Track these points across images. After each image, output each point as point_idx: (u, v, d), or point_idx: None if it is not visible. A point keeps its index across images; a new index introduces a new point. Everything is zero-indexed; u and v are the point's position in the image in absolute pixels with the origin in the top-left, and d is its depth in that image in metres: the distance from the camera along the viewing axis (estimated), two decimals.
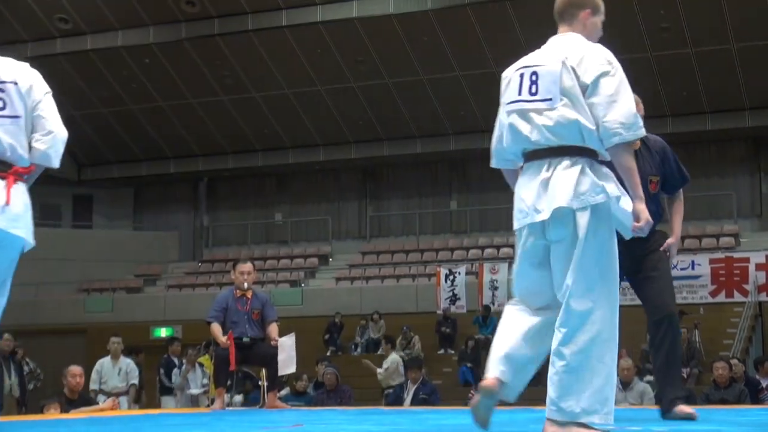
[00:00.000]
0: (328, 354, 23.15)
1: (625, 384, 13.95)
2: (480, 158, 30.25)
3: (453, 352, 23.25)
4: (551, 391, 4.54)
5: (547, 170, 4.48)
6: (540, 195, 4.49)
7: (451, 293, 25.37)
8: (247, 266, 10.38)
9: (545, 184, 4.48)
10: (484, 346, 22.24)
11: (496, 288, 24.99)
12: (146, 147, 32.05)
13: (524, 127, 4.55)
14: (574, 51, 4.50)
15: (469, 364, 21.54)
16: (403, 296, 26.17)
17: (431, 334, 23.82)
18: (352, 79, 28.54)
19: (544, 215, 4.46)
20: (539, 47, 4.68)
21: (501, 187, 25.26)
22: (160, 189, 34.05)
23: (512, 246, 28.05)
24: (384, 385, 18.18)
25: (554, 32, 4.72)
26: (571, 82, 4.43)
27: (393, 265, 28.99)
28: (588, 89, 4.41)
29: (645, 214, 4.47)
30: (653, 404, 13.49)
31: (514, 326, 4.74)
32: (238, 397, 13.88)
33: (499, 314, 18.71)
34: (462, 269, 25.73)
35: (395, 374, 18.26)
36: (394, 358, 19.14)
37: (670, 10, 24.71)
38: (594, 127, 4.39)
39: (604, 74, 4.41)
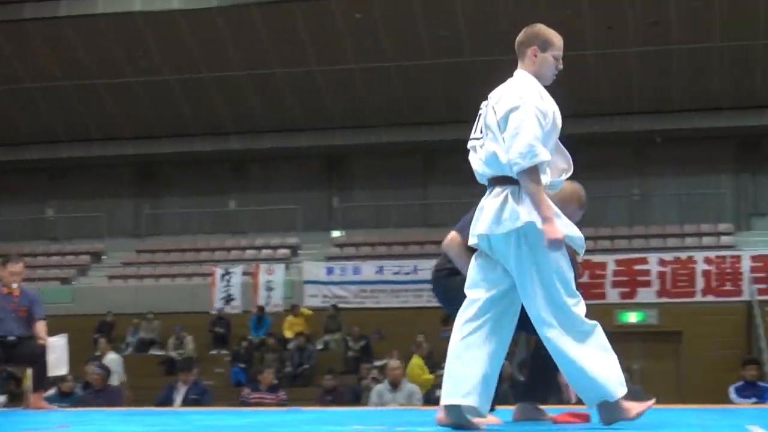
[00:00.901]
0: (98, 354, 22.65)
1: (393, 385, 14.19)
2: (261, 158, 30.51)
3: (226, 352, 23.12)
4: None
5: (485, 198, 5.12)
6: (476, 220, 5.12)
7: (226, 293, 25.21)
8: (18, 267, 10.10)
9: (481, 210, 5.11)
10: (258, 347, 22.27)
11: (271, 289, 25.00)
12: None
13: (473, 160, 5.28)
14: (499, 90, 5.11)
15: (242, 365, 21.48)
16: (178, 296, 25.82)
17: (205, 333, 23.63)
18: (131, 74, 28.00)
19: (474, 240, 5.11)
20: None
21: (280, 189, 25.55)
22: None
23: (289, 247, 28.20)
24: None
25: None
26: (493, 119, 5.04)
27: (168, 264, 28.59)
28: (501, 125, 4.98)
29: (551, 233, 4.80)
30: (421, 405, 13.79)
31: None
32: (2, 398, 13.42)
33: (273, 315, 18.88)
34: (238, 269, 25.61)
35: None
36: (112, 357, 19.08)
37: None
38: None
39: (513, 109, 4.93)
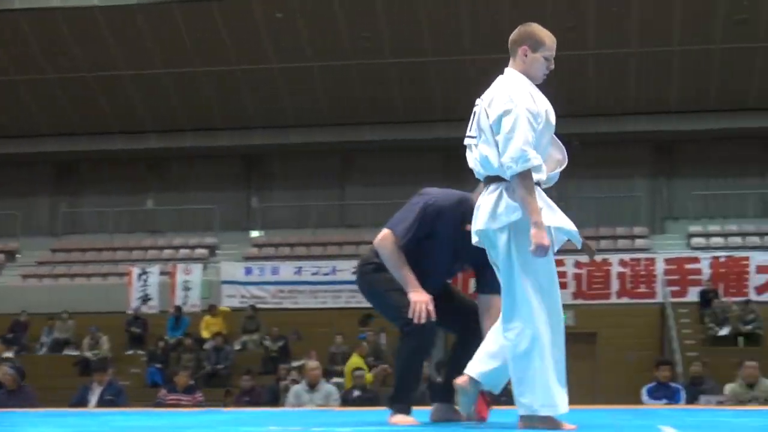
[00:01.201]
0: (11, 354, 22.29)
1: (311, 385, 14.18)
2: (180, 157, 30.27)
3: (142, 352, 22.90)
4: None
5: (481, 196, 5.19)
6: (474, 218, 5.21)
7: (143, 293, 24.98)
8: None
9: (478, 208, 5.19)
10: (174, 348, 22.09)
11: (189, 289, 24.81)
12: None
13: (469, 158, 5.27)
14: (490, 91, 5.17)
15: (158, 365, 21.29)
16: (94, 295, 25.50)
17: (121, 333, 23.38)
18: (50, 71, 27.64)
19: (475, 238, 5.22)
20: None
21: (199, 188, 25.32)
22: None
23: (207, 247, 28.03)
24: None
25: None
26: (486, 122, 5.09)
27: (84, 263, 28.24)
28: (494, 128, 5.03)
29: (538, 239, 4.86)
30: (338, 405, 13.81)
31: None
32: None
33: (190, 315, 18.72)
34: (155, 269, 25.39)
35: None
36: None
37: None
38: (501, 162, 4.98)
39: (505, 113, 4.99)
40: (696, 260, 23.71)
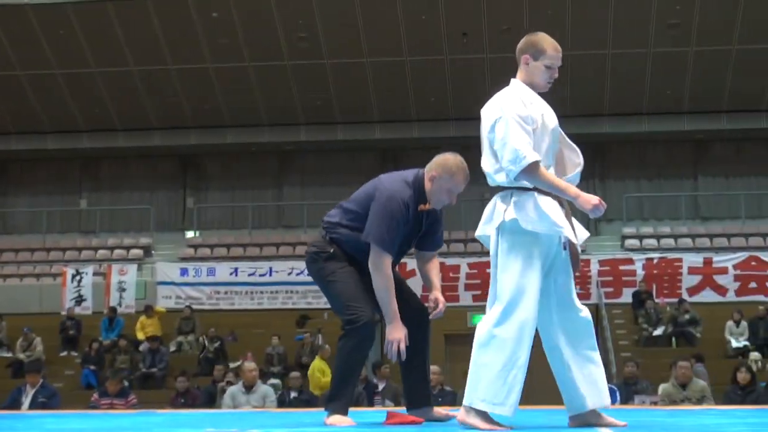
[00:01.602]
0: None
1: (248, 387, 14.14)
2: (113, 157, 29.98)
3: (76, 353, 22.66)
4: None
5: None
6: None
7: (77, 294, 24.72)
8: None
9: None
10: (109, 349, 21.88)
11: (124, 290, 24.62)
12: None
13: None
14: (487, 103, 5.34)
15: (92, 367, 21.09)
16: (27, 296, 25.23)
17: (55, 335, 23.12)
18: None
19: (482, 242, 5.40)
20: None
21: (133, 188, 25.13)
22: None
23: (142, 248, 27.82)
24: None
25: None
26: (484, 133, 5.27)
27: (17, 263, 27.87)
28: (489, 138, 5.21)
29: (587, 202, 5.04)
30: (275, 407, 13.78)
31: None
32: None
33: (125, 316, 18.53)
34: (90, 270, 25.14)
35: None
36: None
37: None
38: (497, 167, 5.16)
39: (496, 121, 5.16)
40: (630, 261, 23.98)
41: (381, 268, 5.84)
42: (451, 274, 23.20)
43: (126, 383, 17.00)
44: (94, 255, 27.82)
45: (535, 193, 5.12)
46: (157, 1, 25.58)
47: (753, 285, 23.16)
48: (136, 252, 27.80)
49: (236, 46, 26.46)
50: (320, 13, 25.43)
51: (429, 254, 6.30)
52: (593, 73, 26.47)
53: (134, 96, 27.92)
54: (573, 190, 5.09)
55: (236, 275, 24.66)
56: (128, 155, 30.06)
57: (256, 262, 25.47)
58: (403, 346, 5.81)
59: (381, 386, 15.21)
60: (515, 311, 5.10)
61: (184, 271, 24.92)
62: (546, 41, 5.35)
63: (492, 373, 5.05)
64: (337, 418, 5.83)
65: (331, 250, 6.08)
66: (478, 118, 5.37)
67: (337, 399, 5.93)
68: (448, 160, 5.95)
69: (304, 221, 29.01)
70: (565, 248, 5.23)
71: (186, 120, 28.71)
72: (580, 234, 5.29)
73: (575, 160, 5.39)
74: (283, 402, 15.28)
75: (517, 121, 5.09)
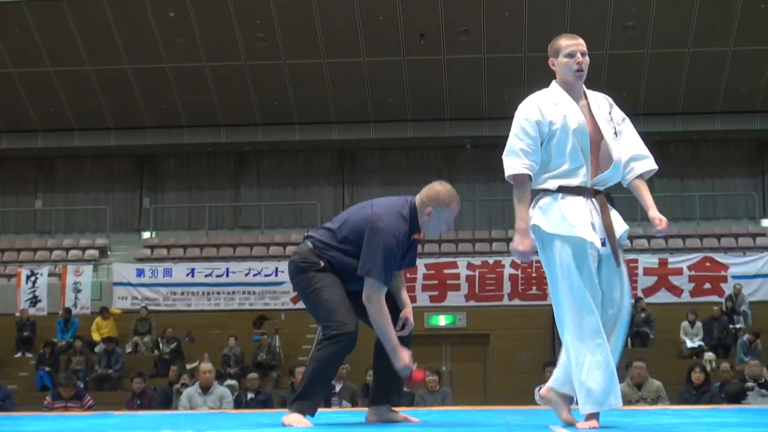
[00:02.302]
0: None
1: (204, 388, 14.10)
2: (69, 157, 29.77)
3: (31, 355, 22.49)
4: None
5: None
6: None
7: (32, 295, 24.54)
8: None
9: None
10: (64, 351, 21.72)
11: (79, 290, 24.46)
12: None
13: None
14: None
15: (47, 368, 20.93)
16: None
17: (9, 336, 22.92)
18: None
19: None
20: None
21: (89, 188, 24.93)
22: None
23: (98, 248, 27.65)
24: None
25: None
26: None
27: None
28: None
29: (517, 242, 5.26)
30: (232, 408, 13.75)
31: None
32: None
33: (81, 317, 18.37)
34: (45, 270, 24.98)
35: None
36: None
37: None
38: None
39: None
40: None
41: (378, 302, 5.87)
42: (408, 275, 23.23)
43: (81, 385, 16.87)
44: (49, 255, 27.63)
45: (560, 194, 5.21)
46: (112, 1, 25.45)
47: (707, 286, 23.38)
48: (92, 253, 27.63)
49: (193, 46, 26.39)
50: (278, 14, 25.42)
51: (398, 271, 6.31)
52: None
53: (90, 95, 27.75)
54: (518, 224, 5.21)
55: (193, 276, 24.57)
56: (84, 155, 29.89)
57: (213, 263, 25.40)
58: (414, 368, 5.97)
59: (338, 387, 15.20)
60: (571, 309, 5.19)
61: (140, 272, 24.79)
62: (560, 37, 5.50)
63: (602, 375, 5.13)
64: (295, 418, 5.80)
65: (322, 264, 6.04)
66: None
67: (304, 399, 5.92)
68: (440, 192, 5.97)
69: (261, 222, 28.99)
70: (603, 245, 5.24)
71: (142, 120, 28.58)
72: (618, 228, 5.34)
73: (613, 155, 5.35)
74: (240, 403, 15.22)
75: (522, 126, 5.23)
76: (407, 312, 6.28)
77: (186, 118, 28.53)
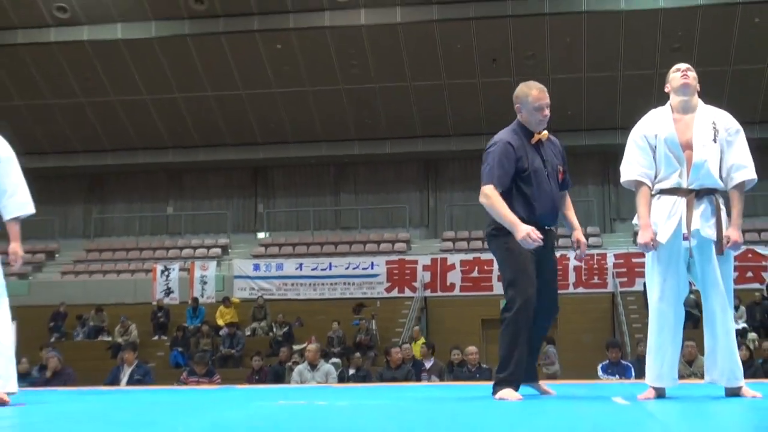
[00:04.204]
0: (53, 340, 22.26)
1: (312, 365, 14.18)
2: (195, 170, 30.21)
3: (166, 338, 22.87)
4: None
5: None
6: None
7: (165, 287, 24.96)
8: None
9: None
10: (194, 334, 22.05)
11: (205, 283, 24.81)
12: None
13: None
14: None
15: (179, 349, 21.27)
16: (123, 289, 25.49)
17: (147, 322, 23.34)
18: (82, 95, 27.67)
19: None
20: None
21: (212, 196, 25.13)
22: None
23: (221, 247, 27.98)
24: None
25: None
26: None
27: (114, 261, 28.18)
28: None
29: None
30: (336, 383, 13.80)
31: None
32: None
33: (207, 305, 18.55)
34: (176, 266, 25.37)
35: None
36: None
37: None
38: None
39: None
40: (641, 255, 23.65)
41: (492, 196, 5.58)
42: (486, 267, 23.13)
43: (210, 364, 17.08)
44: (179, 253, 28.06)
45: (657, 196, 5.25)
46: (229, 36, 25.79)
47: (750, 275, 22.89)
48: (216, 251, 27.99)
49: (297, 73, 26.60)
50: (369, 44, 25.51)
51: (562, 193, 6.12)
52: (608, 91, 26.37)
53: (211, 117, 28.15)
54: (638, 221, 5.29)
55: (301, 270, 24.74)
56: (207, 168, 30.30)
57: (318, 259, 25.55)
58: (534, 236, 5.42)
59: (428, 364, 15.14)
60: (659, 302, 5.44)
61: (256, 267, 25.04)
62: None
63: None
64: (506, 392, 5.45)
65: (497, 223, 5.70)
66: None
67: (507, 373, 5.55)
68: (519, 89, 5.86)
69: (358, 223, 29.10)
70: (685, 239, 5.17)
71: (255, 137, 28.89)
72: (694, 224, 5.16)
73: (693, 158, 5.23)
74: (343, 378, 15.30)
75: (632, 139, 5.40)
76: (578, 234, 6.09)
77: (292, 135, 28.75)
